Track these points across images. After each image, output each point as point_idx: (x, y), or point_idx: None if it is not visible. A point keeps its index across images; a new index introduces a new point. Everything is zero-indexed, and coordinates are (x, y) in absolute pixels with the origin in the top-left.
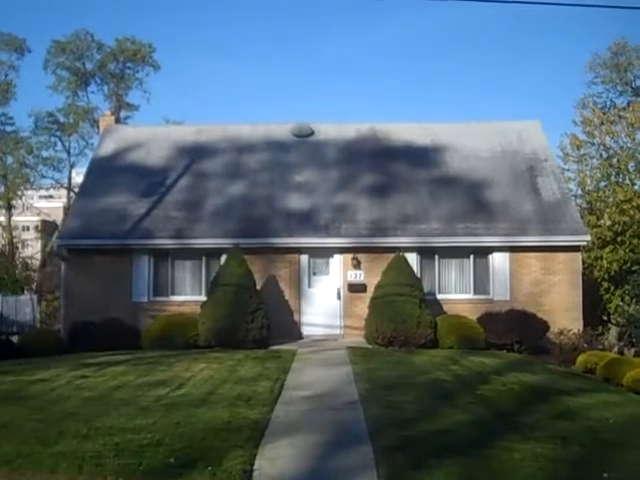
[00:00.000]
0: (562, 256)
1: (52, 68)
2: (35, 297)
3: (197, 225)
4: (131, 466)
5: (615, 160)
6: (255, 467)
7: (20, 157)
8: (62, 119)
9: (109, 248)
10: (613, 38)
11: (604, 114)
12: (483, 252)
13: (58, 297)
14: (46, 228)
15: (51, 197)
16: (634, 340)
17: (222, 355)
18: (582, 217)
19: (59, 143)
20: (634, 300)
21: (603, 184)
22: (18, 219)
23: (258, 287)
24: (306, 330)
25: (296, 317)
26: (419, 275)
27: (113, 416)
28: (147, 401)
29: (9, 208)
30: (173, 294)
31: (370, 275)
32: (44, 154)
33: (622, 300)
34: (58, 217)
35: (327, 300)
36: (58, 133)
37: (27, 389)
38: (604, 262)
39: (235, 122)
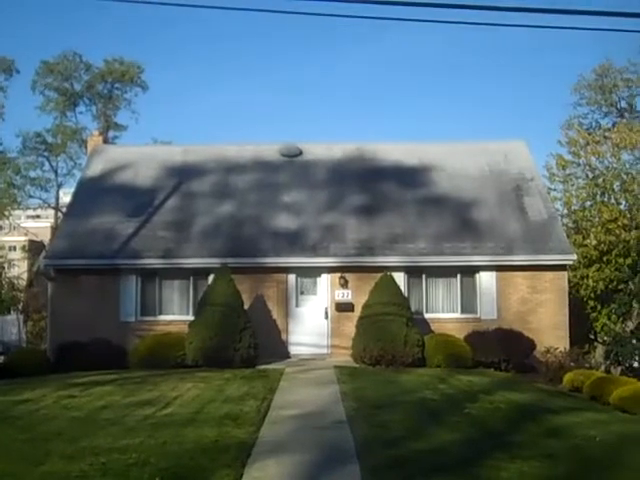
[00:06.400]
0: (549, 275)
1: (40, 89)
2: (21, 317)
3: (185, 245)
4: None
5: (601, 180)
6: None
7: (7, 177)
8: (50, 139)
9: (96, 268)
10: (598, 60)
11: (589, 135)
12: (470, 271)
13: (45, 317)
14: (33, 248)
15: (38, 217)
16: (620, 359)
17: (209, 374)
18: (568, 236)
19: (47, 163)
20: (620, 319)
21: (589, 204)
22: (5, 239)
23: (246, 306)
24: (294, 349)
25: (284, 336)
26: (407, 294)
27: (99, 436)
28: (134, 421)
29: None
30: (161, 314)
31: (358, 294)
32: (32, 174)
33: (608, 319)
34: (45, 237)
35: (315, 319)
36: (46, 153)
37: (13, 409)
38: (590, 281)
39: (223, 142)
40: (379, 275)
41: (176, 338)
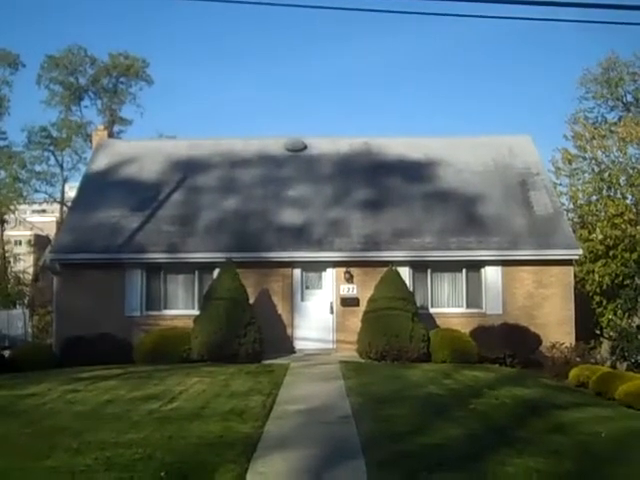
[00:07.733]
0: (554, 270)
1: (45, 83)
2: (27, 311)
3: (190, 239)
4: None
5: (607, 174)
6: None
7: (13, 171)
8: (55, 134)
9: (102, 262)
10: (604, 53)
11: (595, 129)
12: (476, 266)
13: (50, 311)
14: (39, 242)
15: (44, 211)
16: (626, 354)
17: (215, 369)
18: (574, 231)
19: (52, 158)
20: (626, 314)
21: (595, 198)
22: (11, 233)
23: (251, 301)
24: (299, 344)
25: (289, 331)
26: (412, 289)
27: (104, 430)
28: (139, 415)
29: (2, 222)
30: (166, 308)
31: (363, 289)
32: (37, 168)
33: (614, 314)
34: (51, 231)
35: (320, 314)
36: (51, 148)
37: (19, 403)
38: (596, 276)
39: (228, 136)
40: (384, 270)
41: (181, 333)
